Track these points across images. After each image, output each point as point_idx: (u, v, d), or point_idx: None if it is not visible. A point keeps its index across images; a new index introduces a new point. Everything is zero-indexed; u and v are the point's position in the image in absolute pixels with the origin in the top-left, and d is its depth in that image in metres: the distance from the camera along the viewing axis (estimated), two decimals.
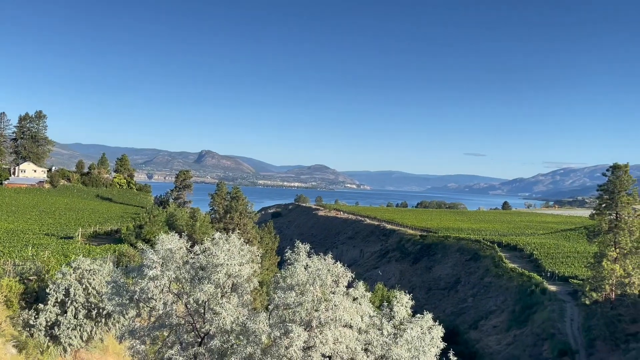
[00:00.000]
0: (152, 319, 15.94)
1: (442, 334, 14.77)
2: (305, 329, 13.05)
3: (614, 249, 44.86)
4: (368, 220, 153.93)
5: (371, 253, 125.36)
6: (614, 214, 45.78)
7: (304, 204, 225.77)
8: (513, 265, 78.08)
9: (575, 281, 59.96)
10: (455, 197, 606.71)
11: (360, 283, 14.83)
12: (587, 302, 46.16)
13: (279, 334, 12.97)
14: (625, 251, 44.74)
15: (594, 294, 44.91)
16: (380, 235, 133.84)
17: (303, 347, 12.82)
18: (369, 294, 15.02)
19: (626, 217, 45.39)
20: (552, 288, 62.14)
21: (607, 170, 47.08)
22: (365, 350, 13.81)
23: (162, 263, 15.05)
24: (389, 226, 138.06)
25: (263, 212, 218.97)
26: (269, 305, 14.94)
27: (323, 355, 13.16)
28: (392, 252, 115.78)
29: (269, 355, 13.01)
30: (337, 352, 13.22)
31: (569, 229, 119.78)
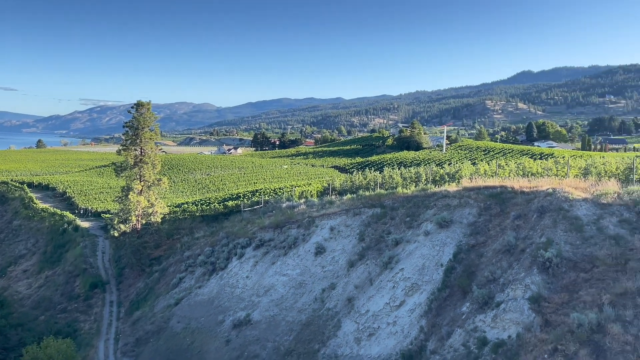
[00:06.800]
0: None
1: None
2: None
3: (139, 182, 47.51)
4: None
5: None
6: (139, 149, 48.27)
7: None
8: (45, 205, 74.64)
9: (106, 216, 61.65)
10: None
11: None
12: (117, 235, 47.99)
13: None
14: (149, 183, 47.99)
15: (122, 226, 46.96)
16: None
17: None
18: None
19: (149, 152, 48.48)
20: (86, 225, 62.35)
21: (132, 107, 48.97)
22: None
23: None
24: None
25: None
26: None
27: None
28: None
29: None
30: None
31: (103, 165, 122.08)
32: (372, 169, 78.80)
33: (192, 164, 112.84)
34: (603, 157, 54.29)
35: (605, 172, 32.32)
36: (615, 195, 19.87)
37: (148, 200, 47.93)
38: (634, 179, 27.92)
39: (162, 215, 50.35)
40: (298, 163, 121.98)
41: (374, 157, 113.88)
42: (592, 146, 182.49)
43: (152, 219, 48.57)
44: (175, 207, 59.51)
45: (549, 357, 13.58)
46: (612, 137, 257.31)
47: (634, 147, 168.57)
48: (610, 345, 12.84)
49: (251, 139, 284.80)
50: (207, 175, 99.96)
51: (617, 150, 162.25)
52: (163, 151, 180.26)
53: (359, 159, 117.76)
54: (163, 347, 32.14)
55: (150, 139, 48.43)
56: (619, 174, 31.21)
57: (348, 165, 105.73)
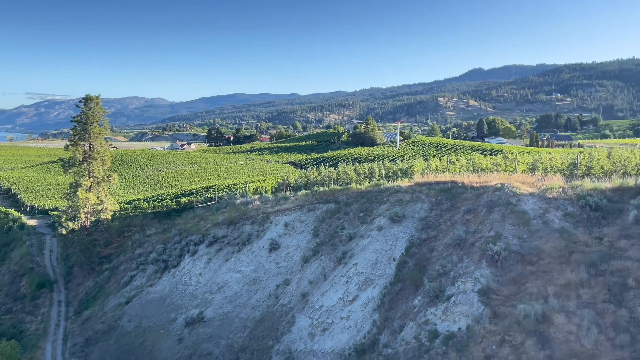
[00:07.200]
0: None
1: None
2: None
3: (88, 178, 46.23)
4: None
5: None
6: (88, 145, 46.95)
7: None
8: None
9: (54, 213, 59.74)
10: None
11: None
12: (65, 232, 46.61)
13: None
14: (98, 180, 46.75)
15: (71, 224, 45.64)
16: None
17: None
18: None
19: (99, 147, 47.20)
20: (32, 222, 60.28)
21: (80, 101, 47.58)
22: None
23: None
24: None
25: None
26: None
27: None
28: None
29: None
30: None
31: (51, 161, 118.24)
32: (327, 164, 79.06)
33: (144, 160, 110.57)
34: (549, 153, 56.05)
35: (551, 167, 33.36)
36: (560, 189, 20.52)
37: (97, 197, 46.69)
38: (578, 174, 28.93)
39: (113, 212, 49.15)
40: (253, 159, 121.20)
41: (329, 153, 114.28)
42: (540, 142, 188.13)
43: (102, 216, 47.36)
44: (126, 203, 58.18)
45: (497, 348, 13.90)
46: (558, 133, 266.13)
47: (579, 143, 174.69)
48: (554, 335, 13.25)
49: (205, 134, 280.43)
50: (160, 171, 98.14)
51: (563, 146, 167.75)
52: (114, 147, 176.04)
53: (314, 155, 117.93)
54: (114, 347, 31.41)
55: (100, 134, 47.16)
56: (564, 169, 32.27)
57: (303, 161, 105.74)
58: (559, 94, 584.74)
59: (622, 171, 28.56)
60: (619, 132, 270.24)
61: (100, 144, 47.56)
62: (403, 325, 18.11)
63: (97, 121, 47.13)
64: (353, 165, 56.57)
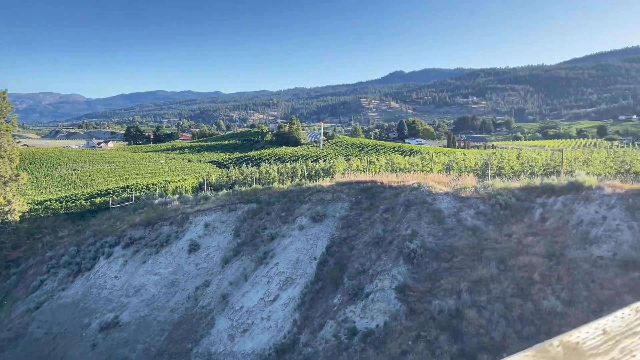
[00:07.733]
0: None
1: None
2: None
3: None
4: None
5: None
6: None
7: None
8: None
9: None
10: None
11: None
12: None
13: None
14: (5, 179, 44.03)
15: None
16: None
17: None
18: None
19: (6, 145, 44.47)
20: None
21: None
22: None
23: None
24: None
25: None
26: None
27: None
28: None
29: None
30: None
31: None
32: (250, 164, 78.38)
33: (57, 159, 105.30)
34: (464, 154, 58.30)
35: (465, 167, 34.67)
36: (473, 189, 21.33)
37: (4, 198, 43.95)
38: (490, 173, 30.23)
39: (22, 214, 46.42)
40: (174, 158, 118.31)
41: (253, 153, 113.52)
42: (457, 143, 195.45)
43: (10, 218, 44.61)
44: (37, 204, 55.10)
45: (413, 344, 14.21)
46: (474, 135, 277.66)
47: (493, 145, 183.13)
48: (467, 329, 13.70)
49: (124, 132, 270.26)
50: (74, 170, 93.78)
51: (478, 147, 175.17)
52: (24, 144, 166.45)
53: (237, 154, 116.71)
54: (21, 355, 29.63)
55: (7, 130, 44.42)
56: (477, 169, 33.63)
57: (226, 161, 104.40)
58: (475, 97, 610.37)
59: (529, 171, 30.14)
60: (529, 134, 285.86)
61: (8, 141, 44.82)
62: (323, 324, 18.19)
63: (4, 117, 44.42)
64: (276, 164, 56.42)
